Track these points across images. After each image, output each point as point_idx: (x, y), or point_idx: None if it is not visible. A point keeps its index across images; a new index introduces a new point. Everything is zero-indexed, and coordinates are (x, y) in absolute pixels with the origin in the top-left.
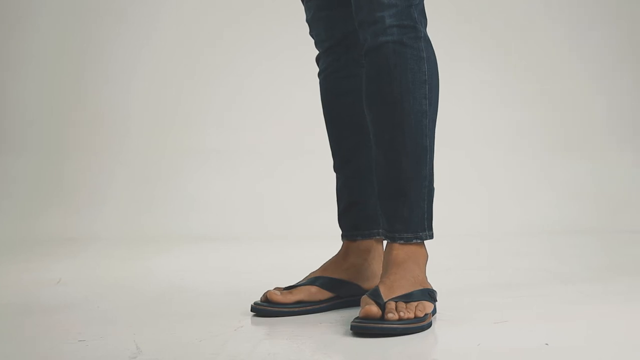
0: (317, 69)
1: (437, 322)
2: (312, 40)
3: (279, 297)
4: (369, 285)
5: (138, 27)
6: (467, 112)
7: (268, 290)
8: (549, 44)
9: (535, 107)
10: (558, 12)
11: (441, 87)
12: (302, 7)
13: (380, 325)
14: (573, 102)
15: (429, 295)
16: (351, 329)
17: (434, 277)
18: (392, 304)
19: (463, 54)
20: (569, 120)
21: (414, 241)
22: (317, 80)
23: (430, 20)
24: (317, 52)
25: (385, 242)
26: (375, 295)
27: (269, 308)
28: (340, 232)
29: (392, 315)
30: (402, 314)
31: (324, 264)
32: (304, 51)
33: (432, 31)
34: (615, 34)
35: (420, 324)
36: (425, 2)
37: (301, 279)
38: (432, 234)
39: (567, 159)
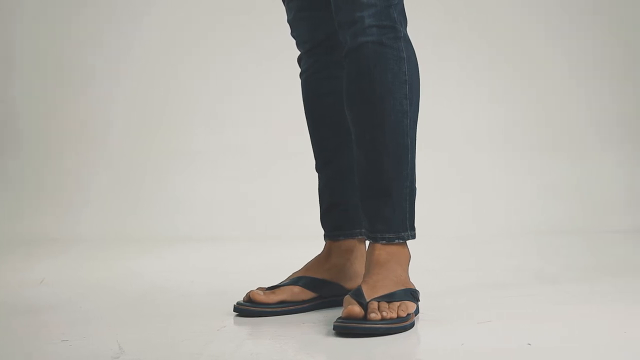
0: (299, 70)
1: (420, 322)
2: (294, 41)
3: (261, 297)
4: (351, 285)
5: (124, 27)
6: (452, 112)
7: (251, 291)
8: (535, 45)
9: (521, 107)
10: (543, 13)
11: (426, 87)
12: (284, 7)
13: (362, 325)
14: (558, 103)
15: (412, 295)
16: (334, 329)
17: (417, 277)
18: (375, 304)
19: (448, 54)
20: (554, 121)
21: (396, 241)
22: (299, 80)
23: (414, 20)
24: (298, 52)
25: (367, 242)
26: (358, 295)
27: (252, 308)
28: (322, 232)
29: (374, 315)
30: (384, 313)
31: (307, 264)
32: (290, 52)
33: (416, 30)
34: (601, 36)
35: (402, 324)
36: (409, 1)
37: (284, 279)
38: (415, 233)
39: (552, 160)
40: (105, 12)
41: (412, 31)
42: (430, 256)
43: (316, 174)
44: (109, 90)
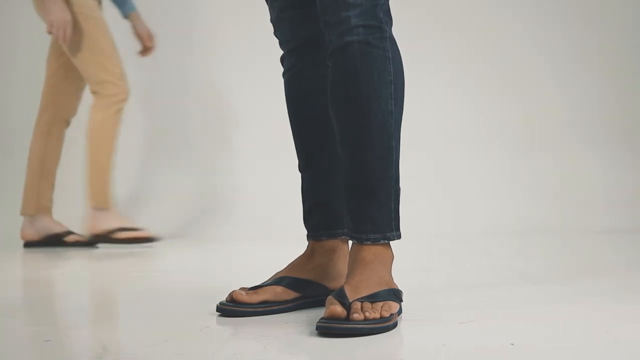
0: (282, 69)
1: (403, 322)
2: (277, 40)
3: (244, 297)
4: (334, 285)
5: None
6: (434, 112)
7: (233, 291)
8: (516, 46)
9: (502, 108)
10: (525, 14)
11: (408, 88)
12: (267, 7)
13: (345, 325)
14: (539, 104)
15: (395, 295)
16: (317, 329)
17: (400, 277)
18: (358, 304)
19: (430, 55)
20: (535, 121)
21: (382, 242)
22: (282, 80)
23: (397, 21)
24: (282, 52)
25: (350, 242)
26: (341, 296)
27: (235, 308)
28: (305, 232)
29: (357, 316)
30: (367, 314)
31: (290, 264)
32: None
33: (398, 31)
34: (581, 37)
35: (385, 324)
36: (392, 2)
37: (267, 279)
38: (400, 234)
39: (534, 161)
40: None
41: (395, 32)
42: (413, 256)
43: (298, 173)
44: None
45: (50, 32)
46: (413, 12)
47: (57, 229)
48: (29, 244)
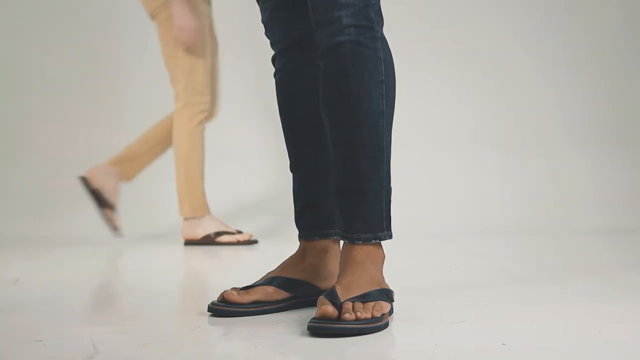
0: (273, 69)
1: (394, 322)
2: (268, 40)
3: (235, 297)
4: (326, 285)
5: (87, 25)
6: (424, 113)
7: (225, 291)
8: (505, 46)
9: (491, 108)
10: (516, 16)
11: (399, 88)
12: (258, 7)
13: (337, 325)
14: (528, 104)
15: (386, 295)
16: (308, 329)
17: (391, 277)
18: (349, 304)
19: (421, 55)
20: (524, 121)
21: (373, 241)
22: (274, 80)
23: (388, 20)
24: (273, 52)
25: (341, 242)
26: (332, 296)
27: (226, 308)
28: (297, 232)
29: (349, 316)
30: (359, 314)
31: (281, 264)
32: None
33: (390, 31)
34: (571, 37)
35: (377, 324)
36: (384, 2)
37: (258, 279)
38: (391, 233)
39: (522, 160)
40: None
41: (386, 32)
42: (405, 256)
43: (290, 174)
44: (75, 91)
45: (177, 38)
46: (405, 12)
47: (214, 228)
48: (189, 243)
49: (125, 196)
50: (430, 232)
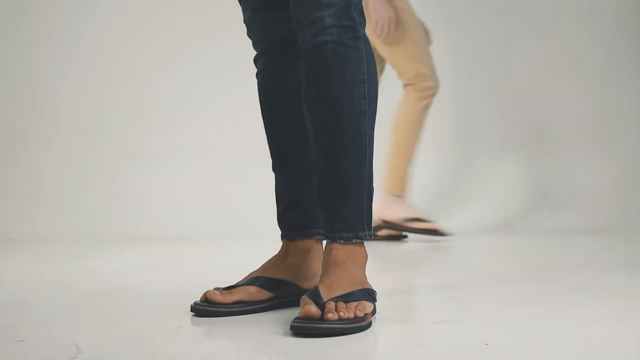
0: (255, 70)
1: (377, 322)
2: (251, 41)
3: (218, 297)
4: (308, 285)
5: (74, 27)
6: None
7: (208, 291)
8: (494, 46)
9: (477, 108)
10: (503, 15)
11: (383, 88)
12: (240, 7)
13: (319, 325)
14: (515, 105)
15: (369, 295)
16: (291, 329)
17: (375, 277)
18: (332, 304)
19: None
20: (511, 122)
21: (354, 241)
22: (256, 80)
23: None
24: (255, 52)
25: (324, 242)
26: (315, 295)
27: (209, 308)
28: (279, 232)
29: (331, 315)
30: (341, 314)
31: (264, 264)
32: (243, 51)
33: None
34: (557, 38)
35: (359, 324)
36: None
37: (241, 279)
38: (372, 233)
39: (507, 160)
40: (55, 10)
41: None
42: (388, 256)
43: (272, 174)
44: (62, 90)
45: (375, 30)
46: None
47: (411, 214)
48: (381, 227)
49: (96, 196)
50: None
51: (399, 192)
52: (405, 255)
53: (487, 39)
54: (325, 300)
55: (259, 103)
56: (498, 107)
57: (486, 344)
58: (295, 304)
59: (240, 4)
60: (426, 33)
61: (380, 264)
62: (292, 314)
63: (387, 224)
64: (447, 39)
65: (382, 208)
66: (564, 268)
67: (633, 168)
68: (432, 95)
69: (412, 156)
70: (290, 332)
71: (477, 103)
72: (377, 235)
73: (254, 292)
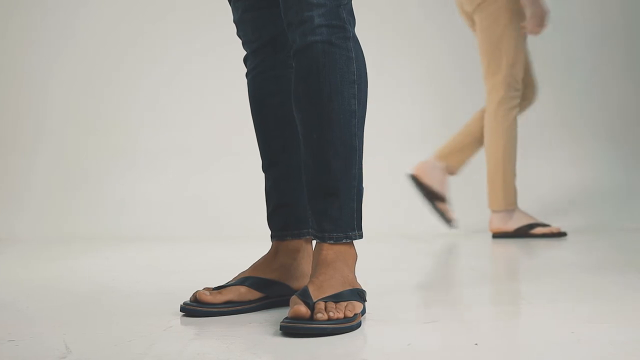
0: (245, 69)
1: (367, 322)
2: (238, 41)
3: (208, 298)
4: (298, 285)
5: (57, 27)
6: (395, 113)
7: (197, 291)
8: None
9: (460, 108)
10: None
11: (371, 88)
12: (229, 8)
13: (309, 325)
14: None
15: (359, 295)
16: (280, 329)
17: (365, 277)
18: (322, 304)
19: (389, 54)
20: None
21: (344, 241)
22: (243, 80)
23: (362, 20)
24: (245, 52)
25: (314, 242)
26: (305, 296)
27: (198, 308)
28: (269, 232)
29: (321, 316)
30: (331, 314)
31: (254, 264)
32: (231, 50)
33: (364, 30)
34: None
35: (349, 324)
36: (355, 2)
37: (231, 279)
38: (362, 233)
39: None
40: (38, 9)
41: (359, 31)
42: (377, 256)
43: (261, 173)
44: (44, 90)
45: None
46: (377, 13)
47: (526, 221)
48: (498, 235)
49: (82, 196)
50: (404, 232)
51: (512, 206)
52: (395, 255)
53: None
54: (314, 300)
55: (248, 103)
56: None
57: (476, 344)
58: (284, 304)
59: (230, 4)
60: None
61: (370, 264)
62: (281, 314)
63: (511, 234)
64: (431, 38)
65: (499, 224)
66: (552, 268)
67: (617, 169)
68: (517, 105)
69: (514, 168)
70: (280, 332)
71: (460, 103)
72: (532, 234)
73: (243, 292)
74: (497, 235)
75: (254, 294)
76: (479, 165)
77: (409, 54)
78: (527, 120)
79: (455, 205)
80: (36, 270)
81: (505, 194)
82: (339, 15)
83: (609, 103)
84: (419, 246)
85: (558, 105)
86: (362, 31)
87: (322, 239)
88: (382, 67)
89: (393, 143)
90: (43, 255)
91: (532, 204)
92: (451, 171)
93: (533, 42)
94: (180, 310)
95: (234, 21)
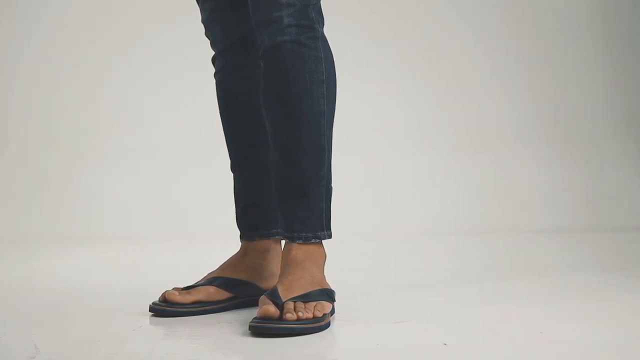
0: (210, 69)
1: (336, 322)
2: (206, 40)
3: (177, 297)
4: (267, 285)
5: (23, 25)
6: (372, 110)
7: (166, 291)
8: (453, 45)
9: (440, 107)
10: (462, 15)
11: (347, 85)
12: (196, 6)
13: (278, 325)
14: (476, 102)
15: (328, 295)
16: (249, 329)
17: (334, 277)
18: (291, 304)
19: (368, 52)
20: (472, 121)
21: (313, 240)
22: (209, 80)
23: (337, 17)
24: (212, 52)
25: (283, 242)
26: (274, 296)
27: (167, 308)
28: (237, 232)
29: (290, 315)
30: (300, 314)
31: (223, 264)
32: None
33: (338, 27)
34: (513, 34)
35: (318, 324)
36: (325, 1)
37: (199, 279)
38: (331, 233)
39: (469, 160)
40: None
41: (334, 29)
42: (348, 255)
43: (227, 173)
44: (8, 88)
45: None
46: (357, 11)
47: None
48: None
49: (49, 196)
50: (377, 232)
51: None
52: (366, 255)
53: (447, 38)
54: (284, 300)
55: (217, 102)
56: (461, 106)
57: (445, 344)
58: (254, 304)
59: (198, 4)
60: None
61: (340, 263)
62: (250, 314)
63: None
64: (404, 38)
65: None
66: (525, 268)
67: (595, 167)
68: None
69: None
70: (249, 332)
71: (441, 102)
72: None
73: (212, 292)
74: None
75: (223, 294)
76: (476, 165)
77: (387, 51)
78: (519, 118)
79: (446, 202)
80: (3, 271)
81: None
82: (308, 15)
83: (608, 102)
84: (391, 245)
85: (558, 105)
86: (347, 26)
87: (291, 239)
88: (359, 66)
89: (370, 142)
90: (9, 255)
91: (509, 203)
92: None
93: (530, 42)
94: (150, 310)
95: (202, 21)
